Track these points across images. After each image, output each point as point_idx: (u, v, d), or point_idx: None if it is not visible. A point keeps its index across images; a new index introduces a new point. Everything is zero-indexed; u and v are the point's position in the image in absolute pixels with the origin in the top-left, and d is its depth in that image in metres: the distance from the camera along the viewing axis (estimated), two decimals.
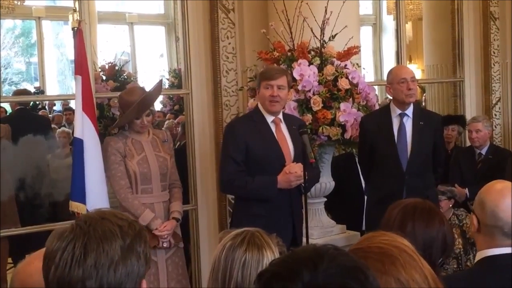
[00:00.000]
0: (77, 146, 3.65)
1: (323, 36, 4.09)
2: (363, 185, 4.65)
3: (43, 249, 1.39)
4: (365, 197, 4.45)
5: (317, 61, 4.02)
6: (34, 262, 1.64)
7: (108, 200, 3.75)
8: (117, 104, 5.95)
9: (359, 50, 4.24)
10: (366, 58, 9.99)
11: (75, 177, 3.63)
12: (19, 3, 9.38)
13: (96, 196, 3.61)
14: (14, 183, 5.16)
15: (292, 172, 3.44)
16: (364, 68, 4.63)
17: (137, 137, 3.74)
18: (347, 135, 3.97)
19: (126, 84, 6.54)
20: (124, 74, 6.89)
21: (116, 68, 6.74)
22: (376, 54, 11.36)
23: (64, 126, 7.64)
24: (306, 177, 3.36)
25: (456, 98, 6.26)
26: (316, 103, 3.89)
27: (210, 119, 4.74)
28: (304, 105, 3.93)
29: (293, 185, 3.47)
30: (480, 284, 2.05)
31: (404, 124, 4.01)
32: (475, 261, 2.16)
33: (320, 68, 4.01)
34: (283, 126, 3.63)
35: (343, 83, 3.96)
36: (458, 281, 2.11)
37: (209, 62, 4.73)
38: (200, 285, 4.70)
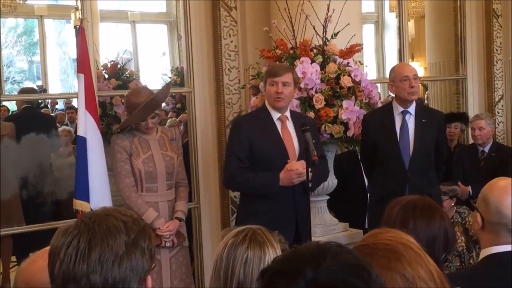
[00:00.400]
0: (80, 144, 3.66)
1: (326, 34, 4.08)
2: (366, 183, 4.65)
3: (47, 248, 1.39)
4: (368, 195, 4.45)
5: (320, 59, 4.02)
6: (38, 260, 1.64)
7: (111, 198, 3.76)
8: (119, 102, 5.98)
9: (362, 48, 4.24)
10: (368, 56, 9.96)
11: (78, 175, 3.64)
12: (21, 2, 9.38)
13: (100, 194, 3.62)
14: (19, 181, 5.17)
15: (294, 170, 3.44)
16: (366, 66, 4.63)
17: (145, 136, 3.73)
18: (349, 133, 3.96)
19: (129, 83, 6.53)
20: (127, 73, 6.87)
21: (118, 66, 6.72)
22: (378, 52, 11.34)
23: (67, 124, 7.64)
24: (311, 175, 3.36)
25: (458, 95, 6.26)
26: (319, 101, 3.89)
27: (213, 117, 4.74)
28: (306, 103, 3.93)
29: (294, 183, 3.47)
30: (485, 281, 2.04)
31: (406, 121, 4.00)
32: (479, 258, 2.15)
33: (323, 66, 4.00)
34: (290, 124, 3.63)
35: (346, 81, 3.95)
36: (463, 279, 2.10)
37: (211, 60, 4.73)
38: (202, 283, 4.71)
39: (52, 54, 11.93)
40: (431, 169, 4.06)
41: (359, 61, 4.23)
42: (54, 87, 11.75)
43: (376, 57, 11.29)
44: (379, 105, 4.28)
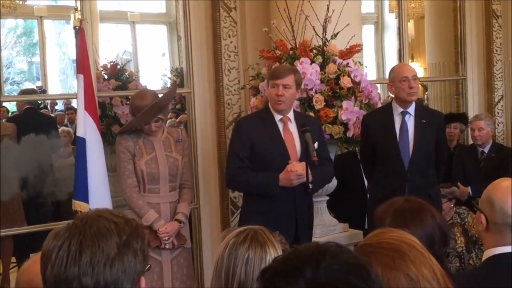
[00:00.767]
0: (79, 145, 3.66)
1: (325, 34, 4.09)
2: (366, 183, 4.65)
3: None
4: (368, 195, 4.45)
5: (319, 59, 4.02)
6: (39, 261, 1.64)
7: (111, 198, 3.76)
8: (119, 102, 5.99)
9: (361, 48, 4.24)
10: (368, 56, 9.97)
11: (77, 176, 3.64)
12: (21, 3, 9.39)
13: (99, 195, 3.61)
14: (20, 181, 5.18)
15: (293, 171, 3.44)
16: (366, 66, 4.63)
17: (149, 137, 3.71)
18: (349, 134, 3.97)
19: (128, 83, 6.54)
20: (126, 73, 6.88)
21: (118, 67, 6.73)
22: (378, 52, 11.36)
23: (66, 125, 7.65)
24: (311, 177, 3.36)
25: (458, 96, 6.26)
26: (318, 102, 3.89)
27: (212, 117, 4.74)
28: (306, 103, 3.94)
29: (294, 184, 3.46)
30: (489, 282, 2.03)
31: (406, 122, 4.00)
32: (483, 259, 2.14)
33: (322, 67, 4.01)
34: (292, 125, 3.62)
35: (345, 82, 3.96)
36: (467, 279, 2.09)
37: (211, 60, 4.73)
38: (202, 283, 4.71)
39: (52, 55, 11.94)
40: (430, 169, 4.06)
41: (359, 62, 4.24)
42: (54, 88, 11.76)
43: (375, 58, 11.30)
44: (379, 105, 4.29)
